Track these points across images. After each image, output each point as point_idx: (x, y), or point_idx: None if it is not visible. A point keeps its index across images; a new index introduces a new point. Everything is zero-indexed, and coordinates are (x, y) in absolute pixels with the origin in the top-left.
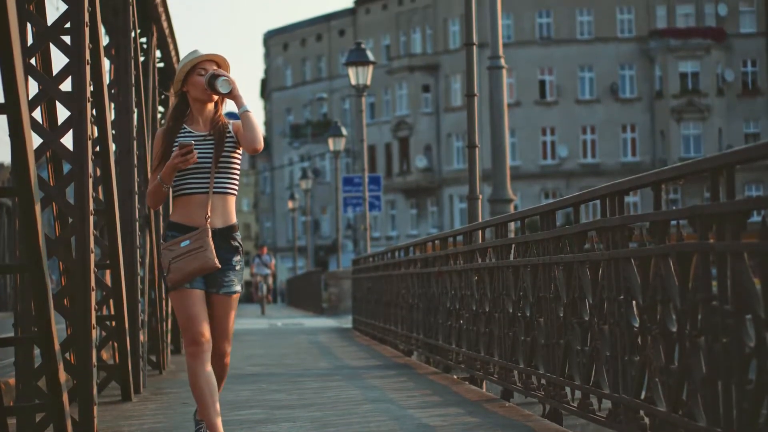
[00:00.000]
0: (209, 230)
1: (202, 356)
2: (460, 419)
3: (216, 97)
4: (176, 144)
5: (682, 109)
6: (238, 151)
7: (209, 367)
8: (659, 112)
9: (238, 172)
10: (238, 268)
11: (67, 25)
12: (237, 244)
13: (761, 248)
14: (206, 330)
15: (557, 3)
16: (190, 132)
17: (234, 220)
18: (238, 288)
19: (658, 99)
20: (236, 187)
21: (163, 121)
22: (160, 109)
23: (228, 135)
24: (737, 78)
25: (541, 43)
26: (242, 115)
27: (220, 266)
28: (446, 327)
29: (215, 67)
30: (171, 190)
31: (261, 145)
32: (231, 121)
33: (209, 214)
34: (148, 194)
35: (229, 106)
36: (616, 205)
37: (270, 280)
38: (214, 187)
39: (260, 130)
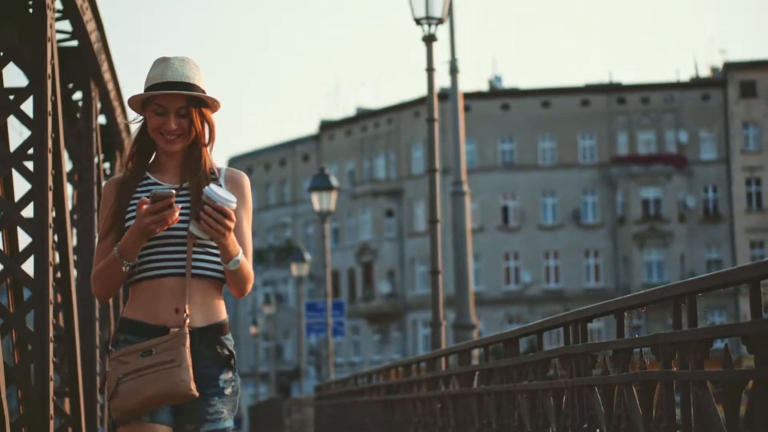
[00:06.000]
0: (187, 335)
1: None
2: None
3: (193, 136)
4: (137, 199)
5: (645, 235)
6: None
7: None
8: (622, 238)
9: None
10: (228, 391)
11: (30, 151)
12: (228, 352)
13: (724, 376)
14: None
15: (520, 129)
16: (156, 183)
17: (223, 315)
18: (228, 424)
19: (621, 225)
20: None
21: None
22: None
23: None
24: (699, 204)
25: (504, 168)
26: (230, 272)
27: (197, 394)
28: None
29: (177, 124)
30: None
31: (249, 288)
32: (221, 168)
33: (187, 309)
34: (96, 275)
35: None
36: (580, 332)
37: None
38: (193, 268)
39: (249, 270)
